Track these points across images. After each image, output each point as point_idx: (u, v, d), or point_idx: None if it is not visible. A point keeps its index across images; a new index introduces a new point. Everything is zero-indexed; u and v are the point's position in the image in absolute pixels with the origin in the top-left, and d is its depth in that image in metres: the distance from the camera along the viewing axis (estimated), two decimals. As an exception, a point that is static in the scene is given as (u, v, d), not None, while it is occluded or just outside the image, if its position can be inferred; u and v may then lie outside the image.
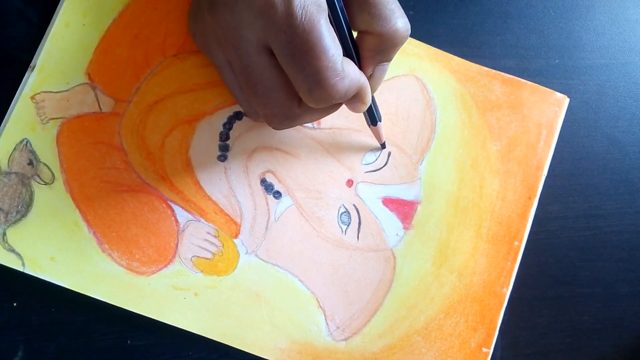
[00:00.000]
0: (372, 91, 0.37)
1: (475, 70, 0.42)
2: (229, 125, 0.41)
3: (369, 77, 0.36)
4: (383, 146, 0.42)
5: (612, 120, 0.44)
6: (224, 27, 0.35)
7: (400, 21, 0.34)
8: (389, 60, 0.36)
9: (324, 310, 0.41)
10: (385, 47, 0.35)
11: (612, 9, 0.44)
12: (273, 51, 0.33)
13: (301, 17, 0.31)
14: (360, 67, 0.36)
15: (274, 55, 0.34)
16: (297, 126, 0.41)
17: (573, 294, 0.43)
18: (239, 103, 0.40)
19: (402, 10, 0.35)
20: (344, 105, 0.37)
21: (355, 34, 0.36)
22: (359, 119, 0.41)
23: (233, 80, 0.38)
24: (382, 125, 0.40)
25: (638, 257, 0.43)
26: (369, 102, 0.36)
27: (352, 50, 0.35)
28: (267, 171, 0.41)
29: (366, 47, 0.35)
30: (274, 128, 0.38)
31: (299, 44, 0.32)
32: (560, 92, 0.43)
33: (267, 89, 0.35)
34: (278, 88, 0.35)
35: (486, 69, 0.43)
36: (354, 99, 0.35)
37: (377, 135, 0.41)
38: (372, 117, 0.39)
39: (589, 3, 0.44)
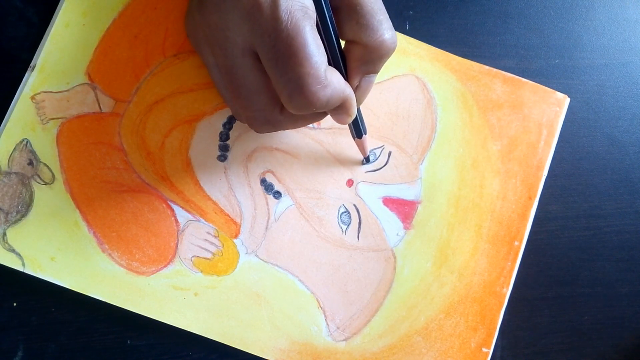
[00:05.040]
0: (358, 103, 0.37)
1: (476, 69, 0.42)
2: (229, 125, 0.41)
3: (355, 89, 0.36)
4: (367, 160, 0.41)
5: (612, 120, 0.44)
6: (211, 27, 0.35)
7: (387, 33, 0.34)
8: (375, 71, 0.36)
9: (324, 311, 0.41)
10: (371, 58, 0.35)
11: (612, 9, 0.44)
12: (258, 54, 0.33)
13: (286, 22, 0.31)
14: (347, 77, 0.36)
15: (259, 59, 0.34)
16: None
17: (573, 294, 0.43)
18: (226, 103, 0.40)
19: (390, 23, 0.34)
20: None
21: (343, 43, 0.36)
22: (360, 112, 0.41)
23: (220, 80, 0.38)
24: (367, 138, 0.40)
25: (638, 257, 0.43)
26: (354, 114, 0.36)
27: (339, 60, 0.35)
28: (267, 171, 0.41)
29: (353, 57, 0.35)
30: (255, 131, 0.38)
31: (282, 49, 0.32)
32: (561, 92, 0.43)
33: (249, 92, 0.35)
34: (260, 92, 0.35)
35: (487, 67, 0.42)
36: (338, 110, 0.35)
37: (362, 149, 0.41)
38: (357, 129, 0.39)
39: (589, 3, 0.44)
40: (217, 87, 0.39)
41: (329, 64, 0.34)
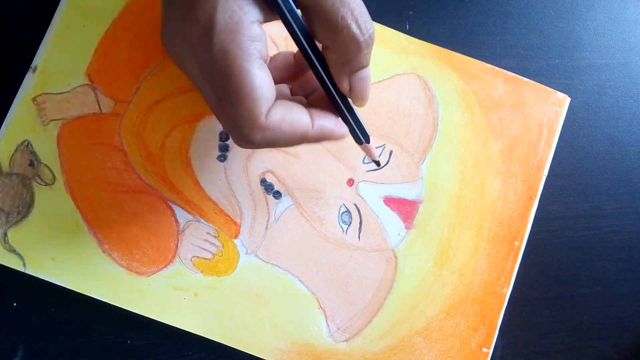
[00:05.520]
0: (358, 103, 0.35)
1: (478, 67, 0.42)
2: (229, 125, 0.41)
3: (349, 91, 0.34)
4: (377, 164, 0.41)
5: (612, 120, 0.44)
6: (173, 56, 0.34)
7: (353, 27, 0.31)
8: (360, 67, 0.34)
9: (324, 311, 0.41)
10: (346, 58, 0.33)
11: (612, 9, 0.44)
12: None
13: (220, 62, 0.30)
14: (337, 83, 0.34)
15: None
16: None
17: (573, 294, 0.43)
18: None
19: (359, 11, 0.32)
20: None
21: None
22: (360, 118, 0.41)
23: None
24: (369, 144, 0.37)
25: (638, 257, 0.43)
26: (331, 139, 0.35)
27: (320, 73, 0.34)
28: (267, 171, 0.41)
29: (330, 62, 0.33)
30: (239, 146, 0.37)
31: (217, 88, 0.31)
32: (561, 92, 0.43)
33: (218, 112, 0.34)
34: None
35: (489, 66, 0.42)
36: (315, 141, 0.34)
37: (369, 154, 0.38)
38: (356, 136, 0.37)
39: (589, 3, 0.44)
40: None
41: (318, 80, 0.33)
